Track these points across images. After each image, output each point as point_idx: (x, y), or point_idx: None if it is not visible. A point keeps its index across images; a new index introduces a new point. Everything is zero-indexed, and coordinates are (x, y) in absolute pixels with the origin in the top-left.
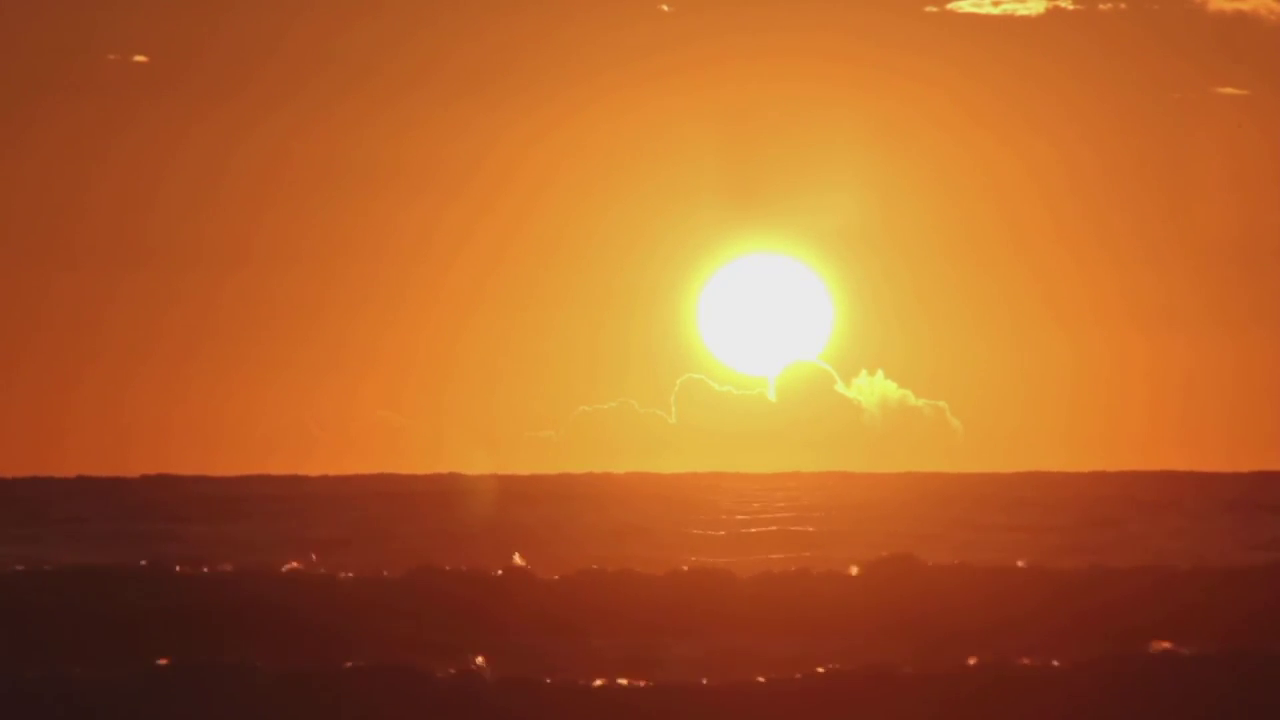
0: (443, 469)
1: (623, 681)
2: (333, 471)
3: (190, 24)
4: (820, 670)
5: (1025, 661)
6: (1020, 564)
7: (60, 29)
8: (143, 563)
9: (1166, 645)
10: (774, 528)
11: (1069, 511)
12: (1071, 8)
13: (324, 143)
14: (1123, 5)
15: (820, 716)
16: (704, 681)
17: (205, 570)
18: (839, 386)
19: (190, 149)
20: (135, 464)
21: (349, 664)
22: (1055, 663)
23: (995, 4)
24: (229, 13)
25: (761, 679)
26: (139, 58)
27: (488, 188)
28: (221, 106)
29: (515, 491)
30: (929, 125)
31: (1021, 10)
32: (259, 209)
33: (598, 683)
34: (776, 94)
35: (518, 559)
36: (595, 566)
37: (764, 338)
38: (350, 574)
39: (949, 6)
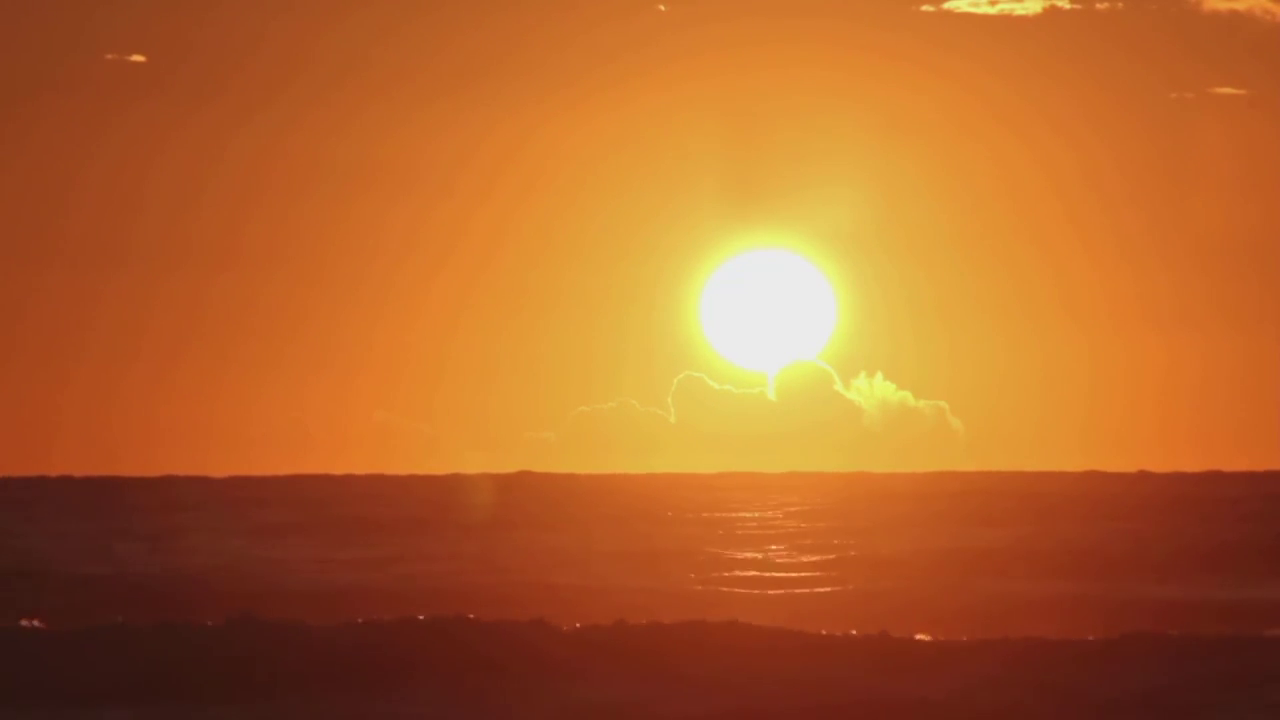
0: (441, 470)
1: None
2: (329, 471)
3: (187, 24)
4: None
5: None
6: None
7: (58, 28)
8: None
9: None
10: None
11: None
12: (1069, 7)
13: (314, 142)
14: (1119, 5)
15: None
16: None
17: None
18: (838, 387)
19: (182, 148)
20: (124, 464)
21: None
22: None
23: (992, 3)
24: (226, 13)
25: None
26: (136, 57)
27: (480, 184)
28: (216, 106)
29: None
30: (926, 125)
31: (1019, 10)
32: (248, 208)
33: None
34: (775, 92)
35: None
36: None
37: (765, 334)
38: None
39: (945, 6)
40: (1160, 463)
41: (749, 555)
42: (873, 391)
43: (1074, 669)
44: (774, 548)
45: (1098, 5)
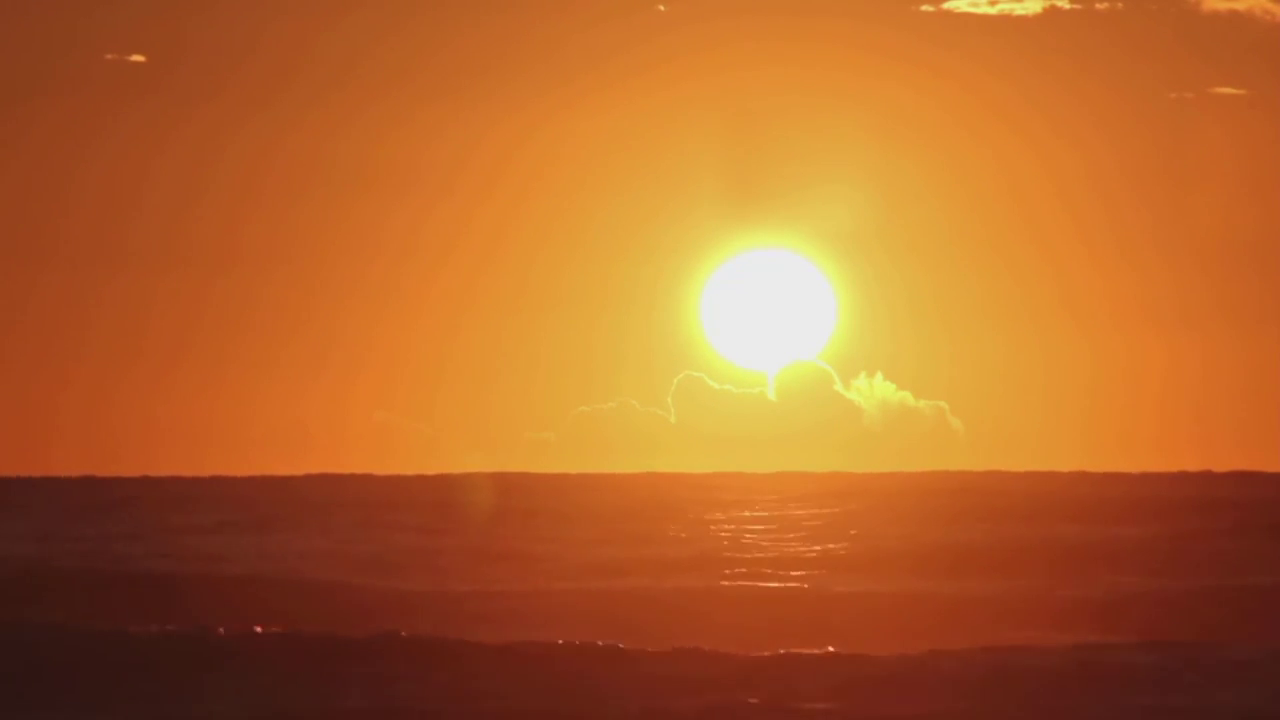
0: (439, 470)
1: None
2: (326, 471)
3: (187, 24)
4: None
5: None
6: None
7: (58, 28)
8: None
9: None
10: None
11: None
12: (1069, 7)
13: (314, 142)
14: (1119, 5)
15: None
16: None
17: None
18: (838, 387)
19: (182, 148)
20: (123, 465)
21: None
22: None
23: (992, 3)
24: (226, 13)
25: None
26: (136, 57)
27: (480, 184)
28: (216, 106)
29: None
30: (926, 125)
31: (1019, 10)
32: (247, 208)
33: None
34: (775, 91)
35: None
36: None
37: (766, 334)
38: None
39: (944, 6)
40: (1160, 463)
41: (625, 554)
42: (873, 391)
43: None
44: (659, 548)
45: (1097, 5)
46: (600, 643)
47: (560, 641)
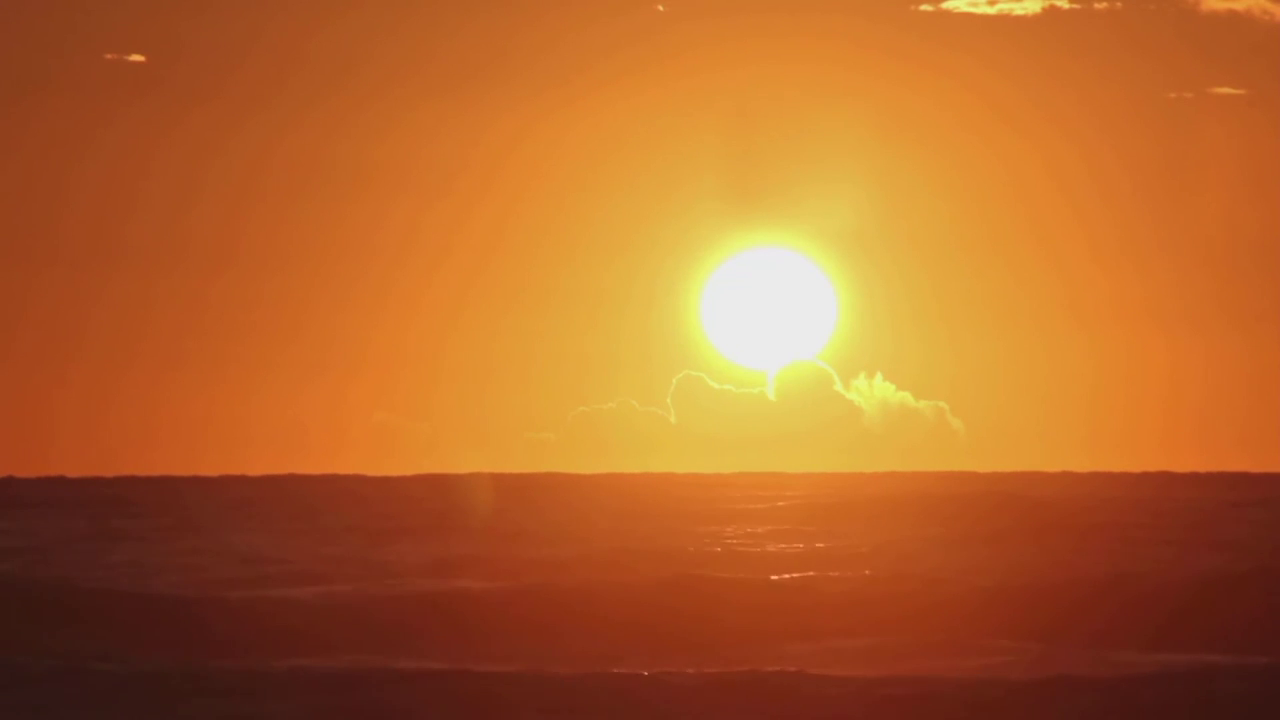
0: (438, 470)
1: None
2: (327, 471)
3: (186, 24)
4: None
5: None
6: None
7: (58, 28)
8: None
9: None
10: None
11: None
12: (1068, 7)
13: (312, 141)
14: (1119, 5)
15: None
16: None
17: None
18: (838, 387)
19: (181, 148)
20: (122, 465)
21: None
22: None
23: (991, 3)
24: (225, 13)
25: None
26: (136, 57)
27: (478, 183)
28: (215, 105)
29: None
30: (926, 124)
31: (1018, 10)
32: (246, 208)
33: None
34: (774, 89)
35: None
36: None
37: (766, 333)
38: None
39: (944, 6)
40: (1161, 463)
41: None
42: (873, 392)
43: None
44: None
45: (1096, 5)
46: None
47: None
